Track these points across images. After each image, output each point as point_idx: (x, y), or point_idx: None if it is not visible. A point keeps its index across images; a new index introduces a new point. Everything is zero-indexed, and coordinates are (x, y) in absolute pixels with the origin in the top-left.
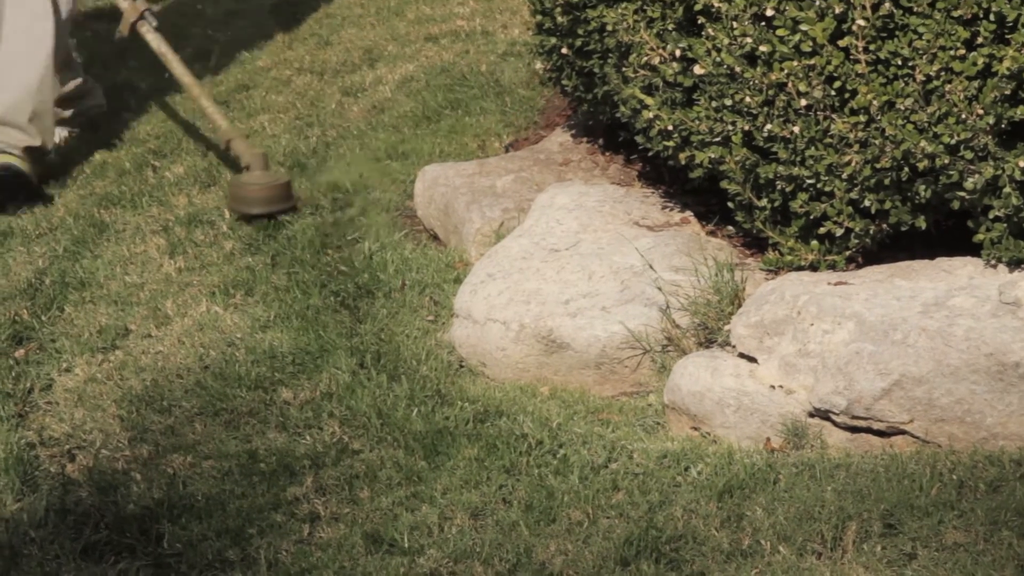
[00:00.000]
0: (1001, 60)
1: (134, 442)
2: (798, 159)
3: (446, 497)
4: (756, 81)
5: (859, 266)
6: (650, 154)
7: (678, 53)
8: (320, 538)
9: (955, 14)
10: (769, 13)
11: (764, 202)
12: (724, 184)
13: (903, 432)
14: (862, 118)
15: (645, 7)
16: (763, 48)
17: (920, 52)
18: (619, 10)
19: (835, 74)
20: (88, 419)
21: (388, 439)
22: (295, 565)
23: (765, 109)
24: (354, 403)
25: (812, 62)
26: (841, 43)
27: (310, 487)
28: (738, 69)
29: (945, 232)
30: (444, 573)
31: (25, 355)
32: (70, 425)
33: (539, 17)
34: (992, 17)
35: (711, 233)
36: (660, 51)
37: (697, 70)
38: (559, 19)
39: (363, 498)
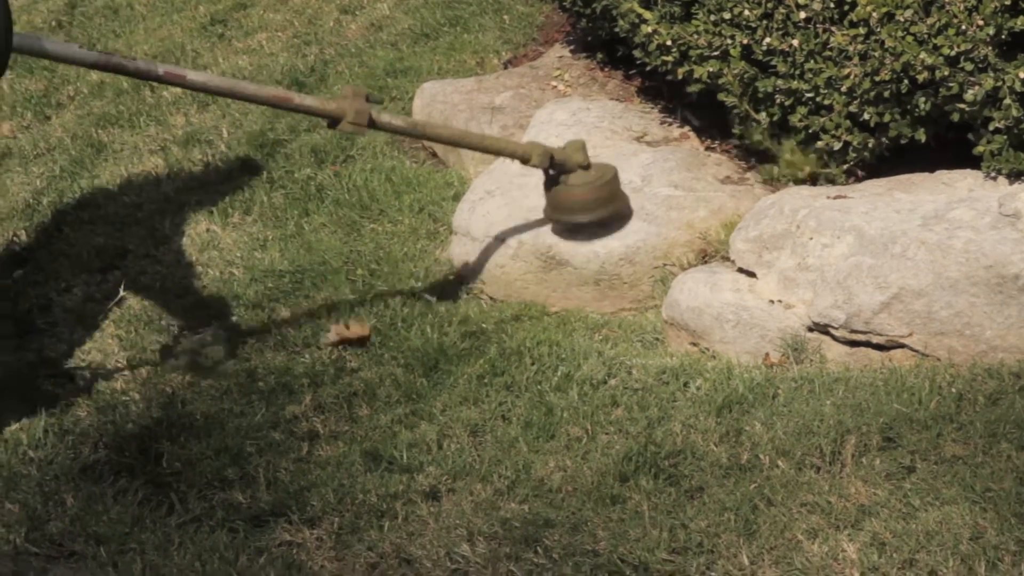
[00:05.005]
0: None
1: (132, 362)
2: (797, 72)
3: (445, 414)
4: None
5: (858, 180)
6: (648, 69)
7: None
8: (319, 456)
9: None
10: None
11: (763, 116)
12: (722, 97)
13: (902, 346)
14: (861, 30)
15: None
16: None
17: None
18: None
19: None
20: (86, 339)
21: (387, 357)
22: (294, 483)
23: (764, 22)
24: (352, 321)
25: None
26: None
27: (309, 405)
28: None
29: (944, 145)
30: (443, 490)
31: (23, 276)
32: (68, 345)
33: None
34: None
35: (710, 148)
36: None
37: None
38: None
39: (362, 416)
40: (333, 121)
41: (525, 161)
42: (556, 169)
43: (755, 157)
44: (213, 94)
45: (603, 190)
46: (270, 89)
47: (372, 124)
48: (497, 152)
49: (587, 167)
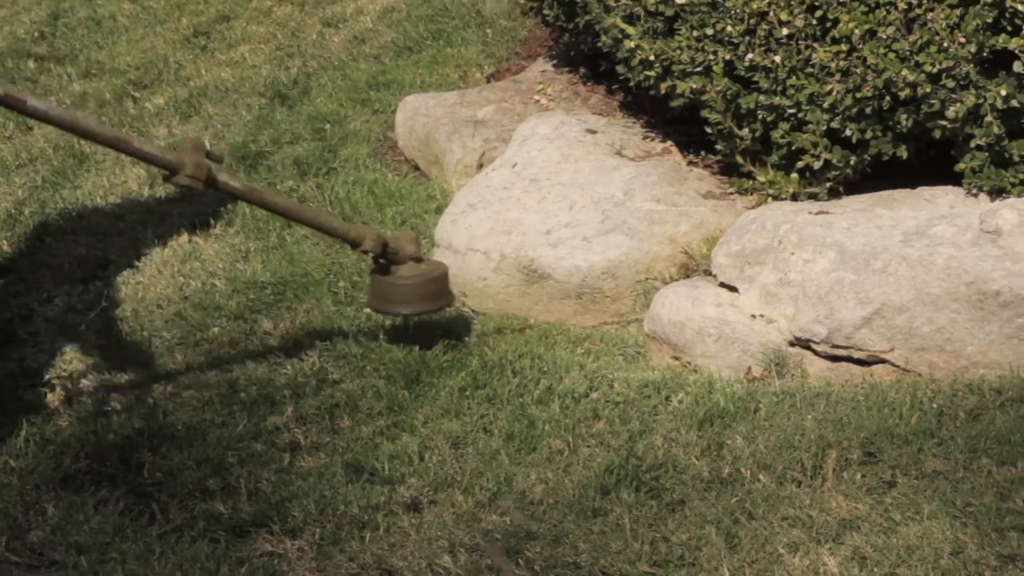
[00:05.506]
0: None
1: (114, 372)
2: (779, 88)
3: (427, 426)
4: (737, 10)
5: (840, 196)
6: (632, 84)
7: None
8: (300, 467)
9: None
10: None
11: (745, 132)
12: (705, 113)
13: (883, 361)
14: (844, 47)
15: None
16: None
17: None
18: None
19: (816, 3)
20: (68, 349)
21: (368, 369)
22: (275, 494)
23: (747, 38)
24: (334, 333)
25: None
26: None
27: (290, 416)
28: None
29: (926, 162)
30: (424, 502)
31: (5, 286)
32: (49, 355)
33: None
34: None
35: (692, 163)
36: None
37: None
38: None
39: (344, 427)
40: (171, 172)
41: (356, 245)
42: (387, 258)
43: (737, 173)
44: (53, 124)
45: (430, 287)
46: (110, 130)
47: (210, 181)
48: (330, 232)
49: (419, 260)
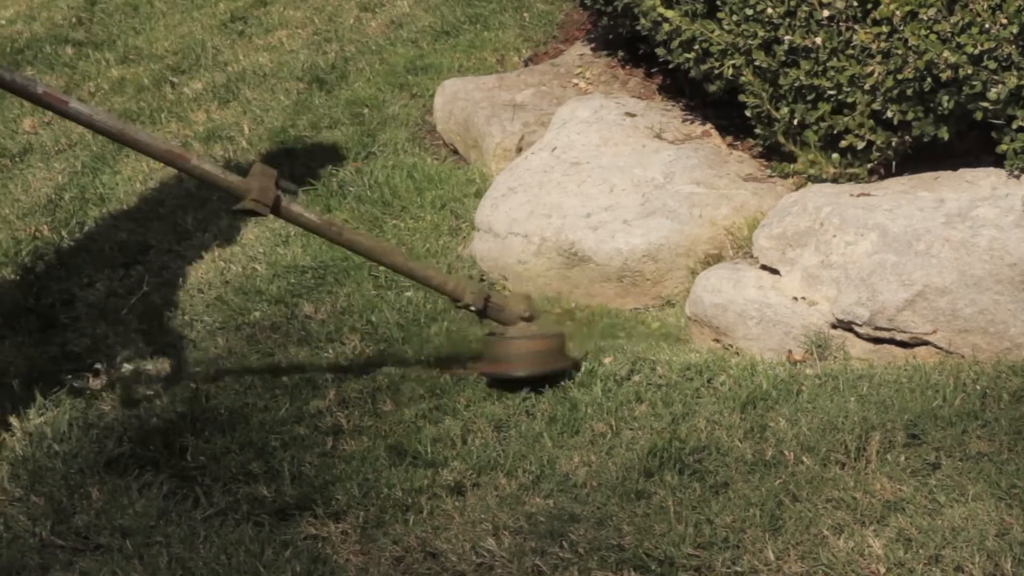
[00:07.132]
0: None
1: (156, 356)
2: (820, 70)
3: (469, 409)
4: None
5: (881, 178)
6: (671, 67)
7: None
8: (343, 451)
9: None
10: None
11: (784, 112)
12: (743, 98)
13: (926, 343)
14: (885, 28)
15: None
16: None
17: None
18: None
19: None
20: (110, 333)
21: (410, 353)
22: (319, 477)
23: (787, 20)
24: (375, 317)
25: None
26: None
27: (333, 400)
28: None
29: (967, 144)
30: (468, 485)
31: (46, 271)
32: (92, 339)
33: None
34: None
35: (732, 146)
36: None
37: None
38: None
39: (386, 411)
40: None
41: (455, 300)
42: (490, 315)
43: (777, 155)
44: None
45: (543, 345)
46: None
47: (275, 208)
48: (423, 283)
49: (529, 320)
